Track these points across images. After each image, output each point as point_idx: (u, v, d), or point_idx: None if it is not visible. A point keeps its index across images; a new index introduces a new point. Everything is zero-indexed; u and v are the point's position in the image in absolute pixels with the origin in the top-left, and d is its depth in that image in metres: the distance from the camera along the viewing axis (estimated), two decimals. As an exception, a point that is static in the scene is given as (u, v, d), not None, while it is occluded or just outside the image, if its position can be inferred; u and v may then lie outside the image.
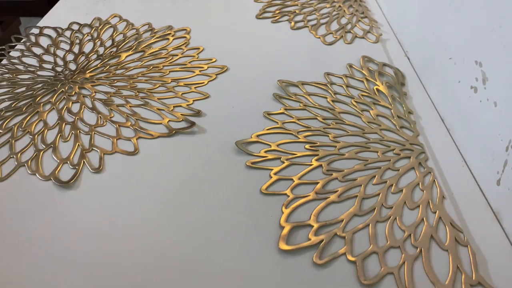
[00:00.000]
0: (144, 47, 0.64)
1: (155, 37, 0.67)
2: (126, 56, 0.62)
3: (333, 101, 0.53)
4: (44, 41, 0.66)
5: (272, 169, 0.44)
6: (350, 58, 0.62)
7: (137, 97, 0.54)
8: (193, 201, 0.42)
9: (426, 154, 0.47)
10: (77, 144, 0.47)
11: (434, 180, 0.43)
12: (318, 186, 0.42)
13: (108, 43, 0.65)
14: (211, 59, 0.62)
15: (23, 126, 0.50)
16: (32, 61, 0.62)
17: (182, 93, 0.55)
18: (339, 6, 0.76)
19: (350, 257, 0.36)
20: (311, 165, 0.45)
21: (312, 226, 0.39)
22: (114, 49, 0.64)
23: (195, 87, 0.56)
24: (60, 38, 0.67)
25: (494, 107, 0.41)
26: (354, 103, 0.53)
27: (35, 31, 0.69)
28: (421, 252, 0.37)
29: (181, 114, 0.51)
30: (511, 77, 0.38)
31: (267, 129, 0.49)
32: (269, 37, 0.68)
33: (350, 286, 0.35)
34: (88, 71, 0.59)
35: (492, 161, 0.41)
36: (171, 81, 0.57)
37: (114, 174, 0.44)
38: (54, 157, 0.46)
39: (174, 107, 0.53)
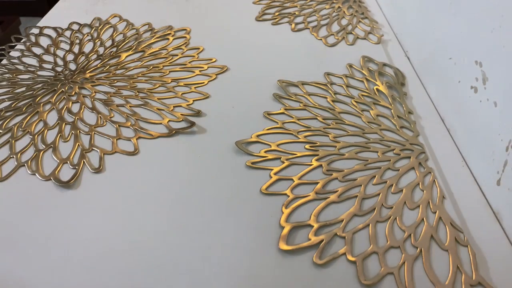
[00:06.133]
0: (144, 47, 0.64)
1: (155, 37, 0.67)
2: (126, 56, 0.62)
3: (333, 101, 0.53)
4: (44, 41, 0.66)
5: (272, 169, 0.44)
6: (350, 58, 0.62)
7: (137, 97, 0.54)
8: (193, 201, 0.42)
9: (426, 154, 0.47)
10: (77, 144, 0.47)
11: (434, 180, 0.43)
12: (318, 186, 0.42)
13: (108, 43, 0.65)
14: (211, 59, 0.62)
15: (23, 126, 0.50)
16: (32, 61, 0.62)
17: (182, 93, 0.55)
18: (338, 7, 0.76)
19: (350, 257, 0.36)
20: (311, 165, 0.45)
21: (312, 226, 0.39)
22: (114, 49, 0.64)
23: (195, 87, 0.56)
24: (60, 38, 0.67)
25: (494, 107, 0.41)
26: (354, 103, 0.53)
27: (35, 31, 0.69)
28: (421, 252, 0.37)
29: (181, 114, 0.51)
30: (511, 77, 0.38)
31: (267, 129, 0.49)
32: (269, 37, 0.68)
33: (350, 286, 0.35)
34: (88, 71, 0.59)
35: (492, 161, 0.41)
36: (171, 81, 0.57)
37: (114, 174, 0.44)
38: (54, 157, 0.46)
39: (174, 107, 0.53)
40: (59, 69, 0.60)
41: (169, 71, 0.59)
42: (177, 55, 0.63)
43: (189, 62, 0.61)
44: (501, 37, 0.40)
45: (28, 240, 0.38)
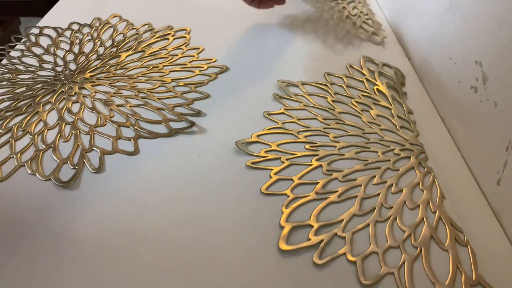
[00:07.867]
0: (144, 47, 0.64)
1: (155, 37, 0.67)
2: (126, 56, 0.62)
3: (333, 101, 0.53)
4: (44, 41, 0.66)
5: (272, 169, 0.44)
6: (350, 58, 0.62)
7: (137, 97, 0.54)
8: (193, 201, 0.42)
9: (426, 154, 0.47)
10: (77, 144, 0.47)
11: (434, 180, 0.43)
12: (318, 186, 0.42)
13: (108, 43, 0.65)
14: (211, 59, 0.62)
15: (23, 126, 0.50)
16: (32, 61, 0.62)
17: (182, 93, 0.55)
18: (343, 7, 0.76)
19: (350, 257, 0.36)
20: (311, 165, 0.45)
21: (312, 226, 0.39)
22: (114, 49, 0.64)
23: (195, 87, 0.56)
24: (60, 38, 0.67)
25: (494, 107, 0.41)
26: (354, 103, 0.53)
27: (35, 31, 0.69)
28: (421, 252, 0.37)
29: (181, 114, 0.51)
30: (511, 77, 0.38)
31: (267, 129, 0.49)
32: (270, 37, 0.68)
33: (350, 286, 0.35)
34: (88, 71, 0.59)
35: (492, 161, 0.41)
36: (171, 81, 0.57)
37: (114, 174, 0.44)
38: (54, 157, 0.46)
39: (174, 107, 0.53)
40: (59, 69, 0.60)
41: (169, 71, 0.59)
42: (177, 55, 0.63)
43: (189, 62, 0.61)
44: (501, 37, 0.40)
45: (28, 240, 0.38)
